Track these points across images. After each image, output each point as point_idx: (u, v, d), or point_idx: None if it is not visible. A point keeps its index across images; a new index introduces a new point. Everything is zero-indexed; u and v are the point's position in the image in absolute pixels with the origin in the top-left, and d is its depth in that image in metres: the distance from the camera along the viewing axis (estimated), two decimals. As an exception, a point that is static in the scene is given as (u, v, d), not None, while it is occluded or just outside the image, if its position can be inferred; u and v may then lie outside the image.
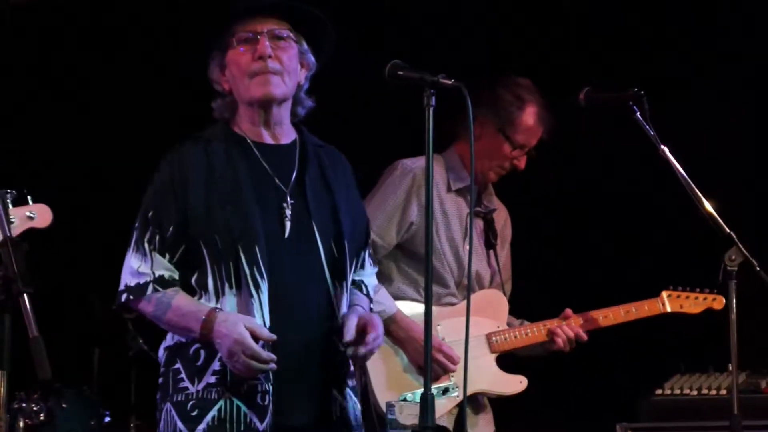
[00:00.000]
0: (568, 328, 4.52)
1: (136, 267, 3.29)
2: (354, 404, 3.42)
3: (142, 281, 3.28)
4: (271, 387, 3.23)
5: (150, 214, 3.31)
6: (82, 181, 6.43)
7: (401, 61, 3.24)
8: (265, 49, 3.34)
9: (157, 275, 3.28)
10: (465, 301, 4.42)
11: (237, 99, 3.42)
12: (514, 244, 4.76)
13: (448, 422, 4.34)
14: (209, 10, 3.52)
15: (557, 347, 4.53)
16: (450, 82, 3.18)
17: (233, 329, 3.17)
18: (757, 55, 5.71)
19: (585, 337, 4.54)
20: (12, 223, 3.09)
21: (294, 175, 3.40)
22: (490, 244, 4.64)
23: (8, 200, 3.13)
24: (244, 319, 3.20)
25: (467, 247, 4.45)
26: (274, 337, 3.21)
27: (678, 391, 4.89)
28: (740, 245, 3.77)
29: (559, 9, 5.99)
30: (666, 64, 5.79)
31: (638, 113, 3.92)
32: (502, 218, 4.73)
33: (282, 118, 3.44)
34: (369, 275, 3.59)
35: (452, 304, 4.47)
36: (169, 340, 3.36)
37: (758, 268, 3.77)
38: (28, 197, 3.15)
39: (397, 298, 4.38)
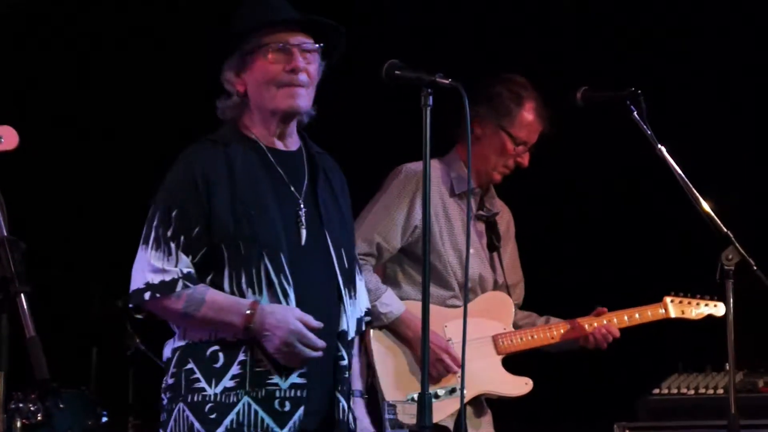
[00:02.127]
0: (605, 328, 4.55)
1: (159, 265, 3.25)
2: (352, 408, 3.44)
3: (168, 278, 3.24)
4: (293, 393, 3.26)
5: (174, 212, 3.28)
6: (81, 181, 6.44)
7: (398, 60, 3.25)
8: (299, 63, 3.36)
9: (184, 272, 3.26)
10: (472, 303, 4.45)
11: (253, 104, 3.41)
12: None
13: (451, 422, 4.35)
14: (228, 15, 3.50)
15: (590, 346, 4.56)
16: (447, 82, 3.19)
17: (286, 319, 3.21)
18: (756, 54, 5.71)
19: (618, 334, 4.57)
20: None
21: (305, 183, 3.42)
22: (493, 246, 4.64)
23: None
24: (291, 310, 3.24)
25: (471, 251, 4.46)
26: (321, 324, 3.25)
27: (675, 391, 4.89)
28: (737, 244, 3.77)
29: (558, 7, 5.99)
30: (663, 63, 5.79)
31: (635, 113, 3.92)
32: (505, 220, 4.74)
33: (294, 128, 3.47)
34: (363, 292, 3.60)
35: (457, 306, 4.47)
36: (178, 340, 3.34)
37: (755, 268, 3.77)
38: None
39: (402, 299, 4.39)
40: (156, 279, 3.25)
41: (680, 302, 4.71)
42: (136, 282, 3.29)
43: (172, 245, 3.26)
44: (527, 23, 5.99)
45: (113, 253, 6.31)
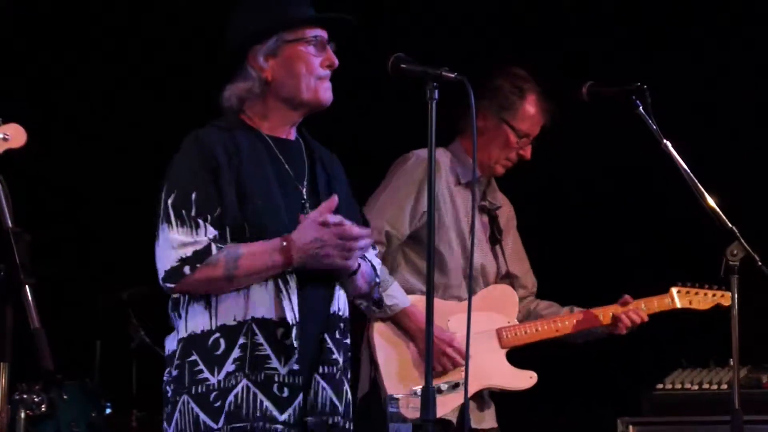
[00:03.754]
0: (633, 314, 4.54)
1: (190, 239, 3.22)
2: (349, 397, 3.44)
3: (200, 247, 3.22)
4: (291, 379, 3.26)
5: (194, 195, 3.26)
6: (86, 173, 6.44)
7: (404, 54, 3.25)
8: (335, 60, 3.41)
9: (211, 237, 3.24)
10: (475, 296, 4.44)
11: (278, 92, 3.41)
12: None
13: (454, 416, 4.34)
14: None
15: (619, 332, 4.55)
16: (453, 76, 3.20)
17: (315, 231, 3.23)
18: (760, 48, 5.71)
19: (647, 319, 4.57)
20: None
21: (306, 171, 3.44)
22: (495, 239, 4.64)
23: None
24: (310, 220, 3.25)
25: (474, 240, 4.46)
26: (333, 205, 3.27)
27: (679, 386, 4.89)
28: (742, 240, 3.77)
29: (560, 4, 6.00)
30: (668, 57, 5.79)
31: (641, 107, 3.92)
32: (506, 213, 4.74)
33: None
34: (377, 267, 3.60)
35: (458, 297, 4.46)
36: (182, 331, 3.32)
37: (760, 263, 3.77)
38: None
39: (403, 288, 4.38)
40: (189, 252, 3.22)
41: (687, 292, 4.67)
42: (168, 261, 3.24)
43: (200, 220, 3.25)
44: (529, 19, 5.99)
45: (118, 245, 6.34)
